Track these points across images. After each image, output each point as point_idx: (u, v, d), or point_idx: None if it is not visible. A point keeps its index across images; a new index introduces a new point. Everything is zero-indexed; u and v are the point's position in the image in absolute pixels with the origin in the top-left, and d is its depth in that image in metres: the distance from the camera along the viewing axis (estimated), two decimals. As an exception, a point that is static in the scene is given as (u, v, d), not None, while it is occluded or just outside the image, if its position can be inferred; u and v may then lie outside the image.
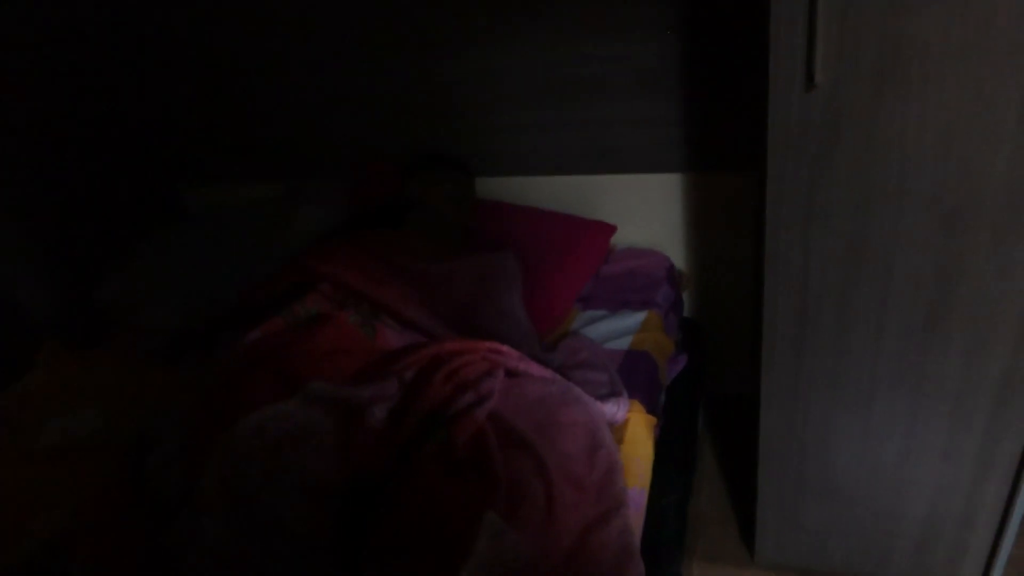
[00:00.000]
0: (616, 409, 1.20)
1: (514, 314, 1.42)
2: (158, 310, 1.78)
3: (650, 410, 1.29)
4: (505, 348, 1.19)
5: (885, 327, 1.08)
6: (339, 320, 1.23)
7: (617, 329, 1.45)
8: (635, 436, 1.22)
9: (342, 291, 1.32)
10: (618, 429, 1.22)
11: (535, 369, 1.18)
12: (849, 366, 1.13)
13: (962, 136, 0.92)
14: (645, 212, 1.70)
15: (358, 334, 1.24)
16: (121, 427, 1.45)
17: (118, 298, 1.83)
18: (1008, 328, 1.04)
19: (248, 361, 1.13)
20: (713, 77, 1.50)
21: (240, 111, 1.89)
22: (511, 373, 1.18)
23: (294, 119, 1.86)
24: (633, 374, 1.34)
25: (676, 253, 1.72)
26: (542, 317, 1.47)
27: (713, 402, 1.86)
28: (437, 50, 1.63)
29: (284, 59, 1.76)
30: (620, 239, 1.72)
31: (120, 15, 1.81)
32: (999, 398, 1.09)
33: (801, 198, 1.01)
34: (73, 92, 1.88)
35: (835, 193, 0.99)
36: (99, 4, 1.81)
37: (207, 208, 2.08)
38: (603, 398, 1.21)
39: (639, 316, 1.48)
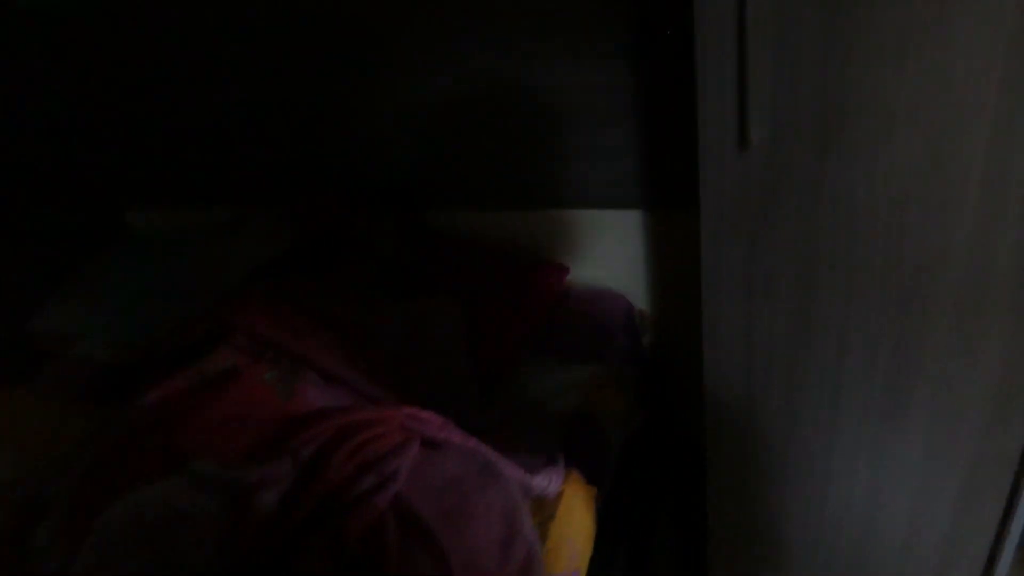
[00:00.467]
0: (547, 483, 1.09)
1: (450, 366, 1.32)
2: (92, 341, 1.69)
3: (592, 479, 1.18)
4: (426, 414, 1.09)
5: (841, 408, 0.97)
6: (248, 379, 1.13)
7: (563, 383, 1.34)
8: (569, 512, 1.12)
9: (260, 343, 1.22)
10: (551, 504, 1.11)
11: (457, 437, 1.08)
12: (799, 454, 1.02)
13: (918, 204, 0.81)
14: (605, 250, 1.59)
15: (267, 397, 1.14)
16: (27, 481, 1.37)
17: (53, 328, 1.74)
18: (975, 411, 0.93)
19: (137, 429, 1.03)
20: (670, 107, 1.39)
21: (188, 130, 1.79)
22: (430, 443, 1.07)
23: (241, 142, 1.76)
24: (575, 438, 1.23)
25: (639, 294, 1.61)
26: (486, 364, 1.37)
27: (679, 450, 1.75)
28: (385, 72, 1.52)
29: (230, 80, 1.67)
30: (580, 278, 1.61)
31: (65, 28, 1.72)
32: (967, 485, 0.98)
33: (738, 266, 0.90)
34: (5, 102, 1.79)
35: (777, 263, 0.88)
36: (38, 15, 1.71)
37: (153, 232, 1.98)
38: (534, 468, 1.11)
39: (587, 369, 1.37)
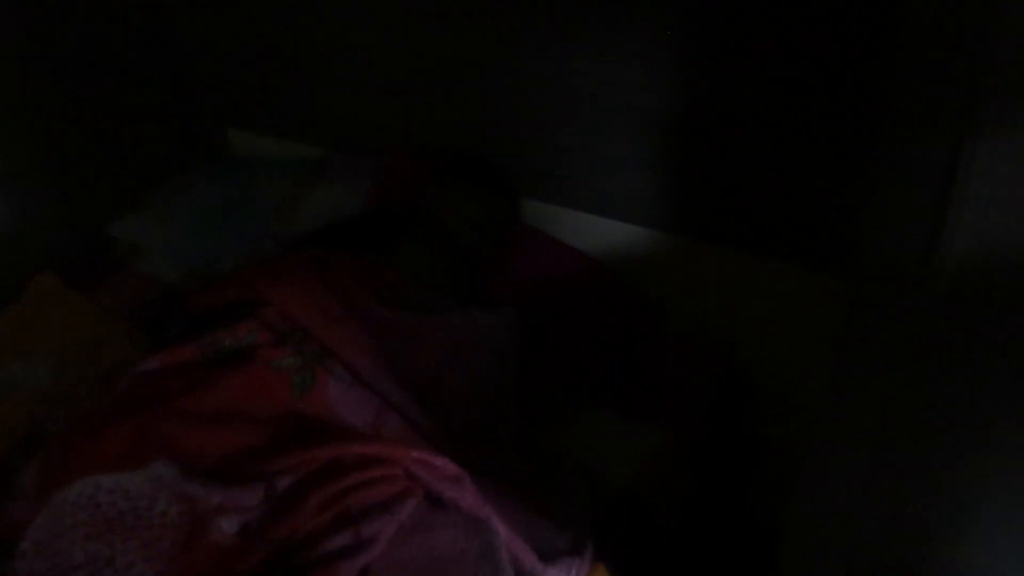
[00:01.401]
0: (562, 578, 0.89)
1: (495, 396, 1.12)
2: (162, 259, 1.64)
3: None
4: (440, 462, 0.91)
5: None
6: (260, 364, 0.99)
7: (622, 445, 1.12)
8: (583, 620, 0.91)
9: (289, 322, 1.08)
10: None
11: (468, 501, 0.89)
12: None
13: None
14: (712, 292, 1.32)
15: (277, 388, 0.99)
16: (63, 392, 1.34)
17: (128, 236, 1.70)
18: None
19: (118, 403, 0.92)
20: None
21: (295, 64, 1.66)
22: (434, 498, 0.90)
23: (345, 85, 1.60)
24: (616, 525, 1.01)
25: (747, 351, 1.33)
26: (537, 401, 1.16)
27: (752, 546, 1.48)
28: (512, 41, 1.30)
29: (346, 21, 1.50)
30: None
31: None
32: None
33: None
34: (123, 16, 1.73)
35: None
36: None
37: (252, 156, 1.90)
38: (552, 554, 0.91)
39: (656, 434, 1.13)
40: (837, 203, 1.14)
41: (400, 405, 1.06)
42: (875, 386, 0.63)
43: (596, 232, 1.36)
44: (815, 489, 0.74)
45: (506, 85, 1.33)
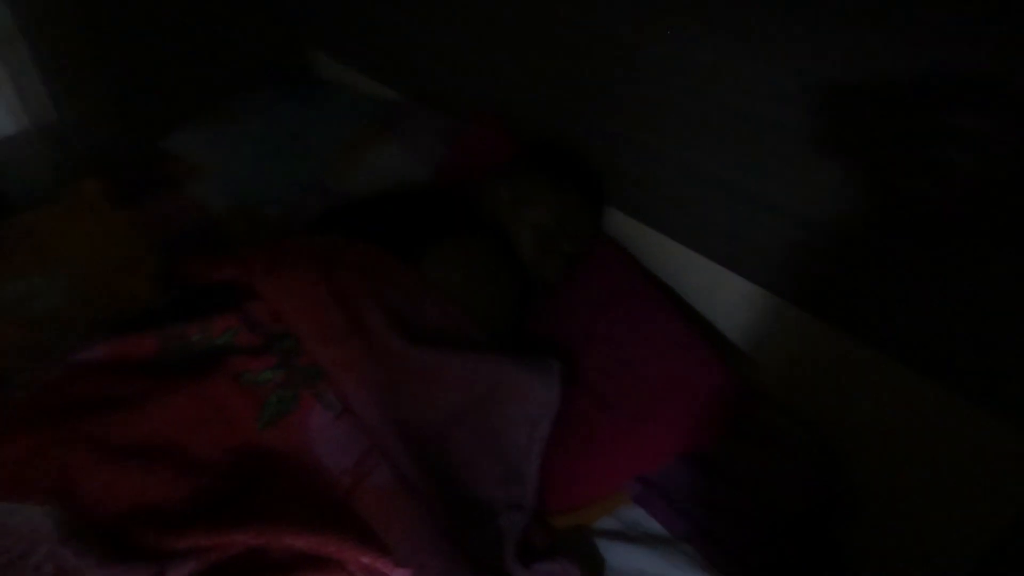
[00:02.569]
0: None
1: (511, 472, 0.88)
2: (211, 183, 1.48)
3: None
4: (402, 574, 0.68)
5: None
6: (223, 379, 0.79)
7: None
8: None
9: (279, 324, 0.87)
10: None
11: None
12: None
13: None
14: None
15: (237, 414, 0.79)
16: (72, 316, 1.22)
17: (186, 155, 1.55)
18: None
19: (32, 404, 0.74)
20: None
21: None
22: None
23: (437, 31, 1.33)
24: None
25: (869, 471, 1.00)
26: (568, 486, 0.91)
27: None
28: (632, 12, 0.98)
29: None
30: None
31: None
32: None
33: None
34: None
35: None
36: None
37: (337, 82, 1.68)
38: None
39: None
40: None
41: (394, 456, 0.84)
42: None
43: (694, 273, 1.05)
44: None
45: (615, 68, 1.02)
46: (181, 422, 0.75)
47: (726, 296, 1.04)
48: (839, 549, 1.02)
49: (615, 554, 0.86)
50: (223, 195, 1.45)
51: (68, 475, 0.68)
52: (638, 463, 0.93)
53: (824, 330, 0.95)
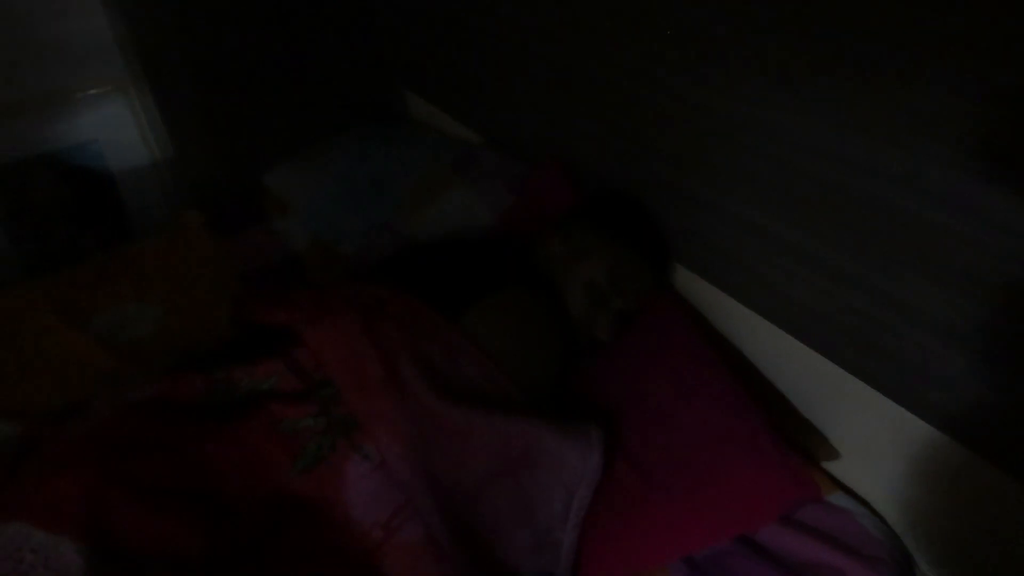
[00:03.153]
0: None
1: (543, 534, 0.84)
2: (297, 220, 1.55)
3: None
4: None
5: None
6: (261, 425, 0.81)
7: None
8: None
9: (322, 371, 0.88)
10: None
11: None
12: None
13: None
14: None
15: (274, 463, 0.80)
16: (163, 346, 1.30)
17: (275, 187, 1.63)
18: None
19: (86, 439, 0.78)
20: None
21: (477, 39, 1.42)
22: None
23: (515, 76, 1.33)
24: None
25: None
26: (605, 558, 0.86)
27: None
28: (705, 69, 0.94)
29: (533, 15, 1.22)
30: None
31: None
32: None
33: None
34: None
35: None
36: None
37: (425, 123, 1.73)
38: None
39: None
40: None
41: (425, 513, 0.83)
42: None
43: (769, 342, 0.98)
44: None
45: (686, 125, 0.97)
46: (217, 466, 0.77)
47: (797, 368, 0.95)
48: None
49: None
50: (305, 231, 1.51)
51: (104, 514, 0.71)
52: (683, 542, 0.87)
53: (906, 418, 0.85)
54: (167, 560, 0.70)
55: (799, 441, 0.95)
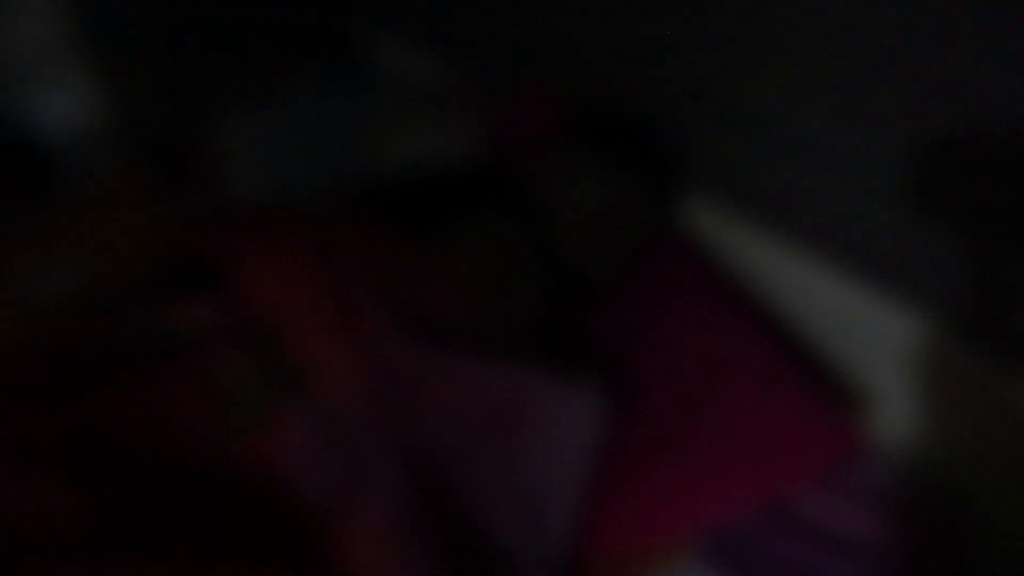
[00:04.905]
0: None
1: (536, 505, 0.69)
2: (250, 169, 1.40)
3: None
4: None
5: None
6: (174, 377, 0.65)
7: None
8: None
9: (261, 312, 0.72)
10: None
11: None
12: None
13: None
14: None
15: (196, 420, 0.64)
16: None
17: (230, 140, 1.47)
18: None
19: None
20: None
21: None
22: None
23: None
24: None
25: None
26: (612, 529, 0.71)
27: None
28: None
29: None
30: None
31: None
32: None
33: None
34: None
35: None
36: None
37: (383, 67, 1.57)
38: None
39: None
40: None
41: (390, 484, 0.67)
42: None
43: (799, 286, 0.83)
44: None
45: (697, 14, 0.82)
46: (121, 426, 0.61)
47: (835, 303, 0.81)
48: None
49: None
50: (259, 181, 1.37)
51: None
52: (702, 510, 0.72)
53: (962, 351, 0.71)
54: (49, 538, 0.53)
55: (836, 390, 0.80)
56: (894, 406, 0.79)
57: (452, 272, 0.75)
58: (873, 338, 0.79)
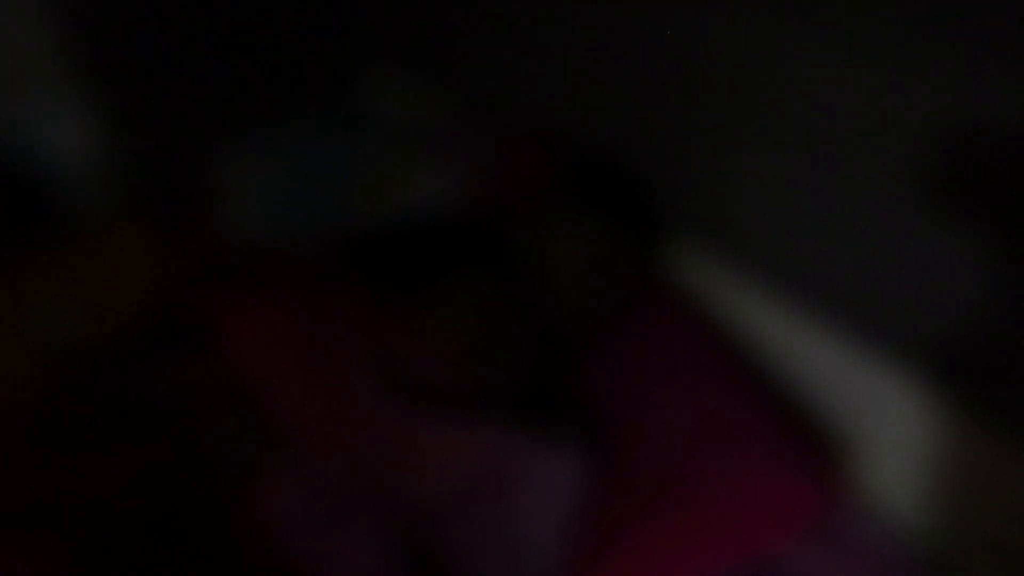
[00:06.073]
0: None
1: (518, 563, 0.69)
2: (245, 211, 1.41)
3: None
4: None
5: None
6: (163, 440, 0.65)
7: None
8: None
9: (249, 374, 0.72)
10: None
11: None
12: None
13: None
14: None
15: (181, 483, 0.65)
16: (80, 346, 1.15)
17: (228, 181, 1.48)
18: None
19: None
20: None
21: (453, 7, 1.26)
22: None
23: (487, 43, 1.18)
24: None
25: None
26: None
27: None
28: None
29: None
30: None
31: None
32: None
33: None
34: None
35: None
36: None
37: (379, 112, 1.59)
38: None
39: None
40: None
41: (373, 539, 0.67)
42: None
43: (783, 338, 0.83)
44: None
45: (679, 62, 0.83)
46: (104, 489, 0.61)
47: (820, 357, 0.81)
48: None
49: None
50: (254, 223, 1.38)
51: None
52: (687, 569, 0.72)
53: (957, 417, 0.71)
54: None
55: (817, 443, 0.80)
56: (881, 461, 0.79)
57: (438, 332, 0.75)
58: (860, 392, 0.79)
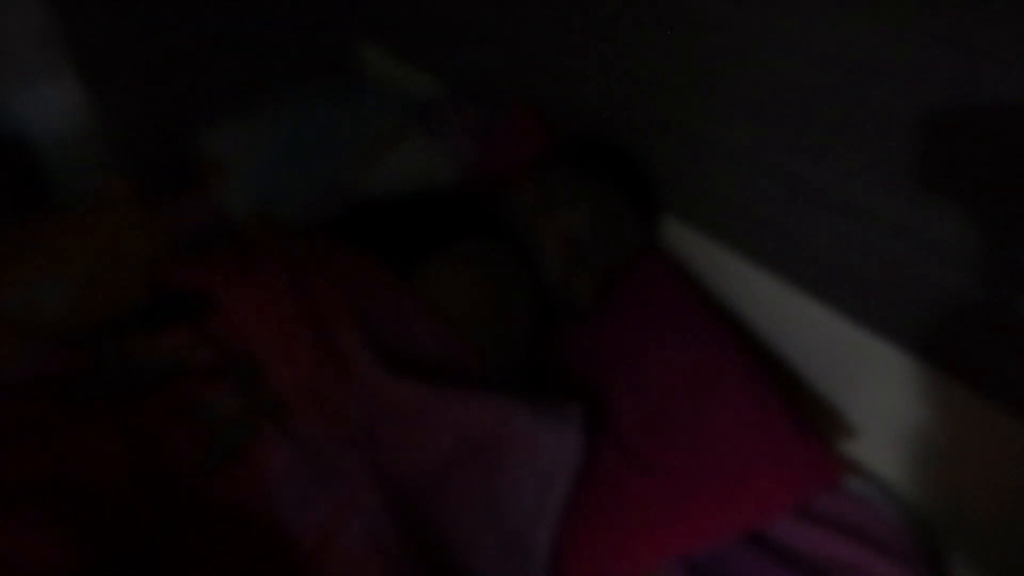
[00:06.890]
0: None
1: (513, 533, 0.70)
2: (235, 184, 1.38)
3: None
4: None
5: None
6: (157, 409, 0.65)
7: None
8: None
9: (243, 342, 0.72)
10: None
11: None
12: None
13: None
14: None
15: (177, 453, 0.65)
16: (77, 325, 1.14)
17: (215, 153, 1.46)
18: None
19: None
20: None
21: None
22: None
23: (482, 14, 1.16)
24: None
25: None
26: (588, 559, 0.72)
27: None
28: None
29: None
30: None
31: None
32: None
33: None
34: None
35: None
36: None
37: (380, 77, 1.57)
38: None
39: None
40: None
41: (371, 511, 0.68)
42: None
43: (776, 312, 0.84)
44: None
45: (675, 41, 0.83)
46: (101, 461, 0.61)
47: (807, 328, 0.82)
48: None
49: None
50: (244, 195, 1.35)
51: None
52: (680, 540, 0.73)
53: (942, 382, 0.72)
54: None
55: (811, 418, 0.81)
56: (875, 434, 0.80)
57: (433, 300, 0.75)
58: (854, 365, 0.80)
